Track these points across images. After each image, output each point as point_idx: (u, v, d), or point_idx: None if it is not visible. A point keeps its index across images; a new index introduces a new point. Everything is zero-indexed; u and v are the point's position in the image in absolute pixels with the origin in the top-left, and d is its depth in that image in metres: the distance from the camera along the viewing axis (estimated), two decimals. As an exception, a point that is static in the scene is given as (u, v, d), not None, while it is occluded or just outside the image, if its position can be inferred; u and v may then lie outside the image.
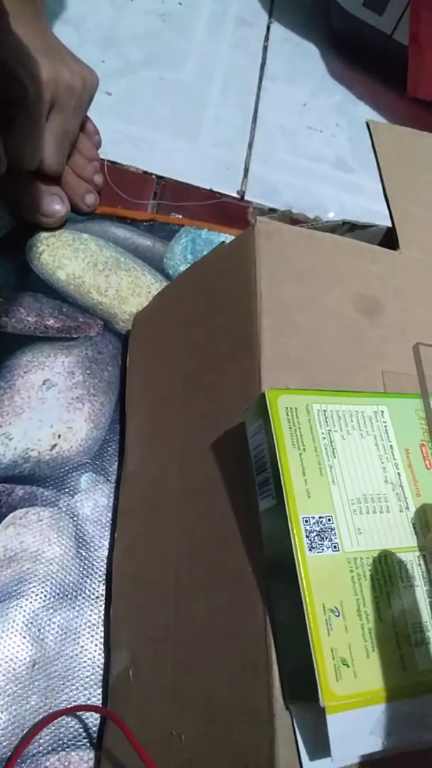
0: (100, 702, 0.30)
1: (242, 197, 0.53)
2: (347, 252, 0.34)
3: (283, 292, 0.30)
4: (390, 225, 0.37)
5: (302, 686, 0.20)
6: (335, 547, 0.22)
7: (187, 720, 0.25)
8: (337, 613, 0.20)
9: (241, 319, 0.30)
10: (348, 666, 0.19)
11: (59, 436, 0.36)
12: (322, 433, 0.24)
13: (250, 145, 0.57)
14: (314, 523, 0.22)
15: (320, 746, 0.20)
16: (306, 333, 0.30)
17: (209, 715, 0.24)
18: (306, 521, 0.22)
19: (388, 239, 0.37)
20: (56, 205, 0.43)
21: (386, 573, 0.22)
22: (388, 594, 0.21)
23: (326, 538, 0.22)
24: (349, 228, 0.37)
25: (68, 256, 0.44)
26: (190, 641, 0.26)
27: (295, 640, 0.20)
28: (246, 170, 0.55)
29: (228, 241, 0.34)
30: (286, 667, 0.21)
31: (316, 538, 0.22)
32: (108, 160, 0.50)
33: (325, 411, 0.25)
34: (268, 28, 0.69)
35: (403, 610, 0.21)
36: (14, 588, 0.31)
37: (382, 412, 0.26)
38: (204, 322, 0.33)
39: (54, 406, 0.37)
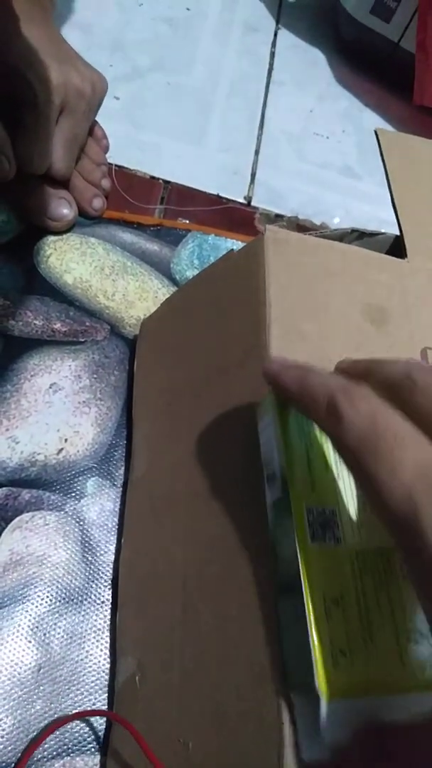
0: (106, 707, 0.30)
1: (249, 203, 0.53)
2: (355, 261, 0.34)
3: (292, 300, 0.30)
4: (398, 233, 0.37)
5: (300, 673, 0.20)
6: (338, 539, 0.22)
7: (194, 727, 0.25)
8: (336, 603, 0.20)
9: (249, 326, 0.30)
10: (345, 655, 0.20)
11: (66, 440, 0.36)
12: None
13: (256, 151, 0.57)
14: (318, 515, 0.22)
15: (316, 736, 0.20)
16: (314, 341, 0.30)
17: (216, 723, 0.24)
18: (309, 512, 0.22)
19: (396, 248, 0.37)
20: (64, 209, 0.44)
21: (388, 569, 0.22)
22: (389, 590, 0.21)
23: (329, 529, 0.22)
24: (357, 236, 0.37)
25: (75, 260, 0.44)
26: (198, 648, 0.26)
27: (296, 629, 0.21)
28: (253, 176, 0.55)
29: (236, 248, 0.34)
30: (287, 656, 0.21)
31: (318, 528, 0.22)
32: (115, 165, 0.50)
33: None
34: (276, 34, 0.69)
35: (404, 606, 0.21)
36: (20, 592, 0.31)
37: None
38: (212, 329, 0.33)
39: (61, 410, 0.37)
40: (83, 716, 0.29)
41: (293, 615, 0.21)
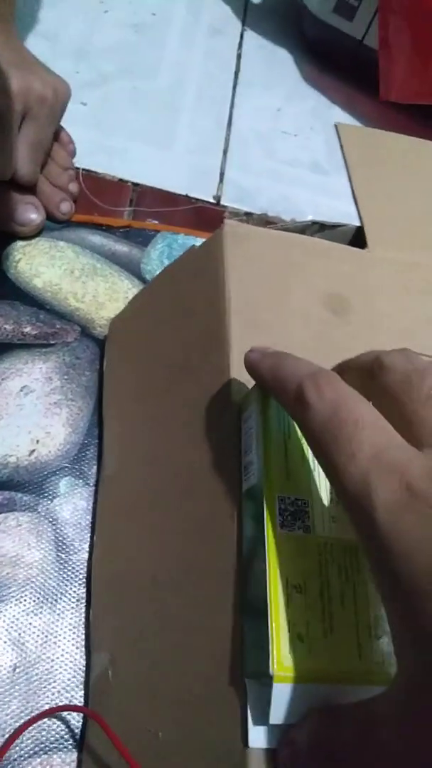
0: (82, 704, 0.30)
1: (218, 202, 0.53)
2: (316, 252, 0.34)
3: (252, 291, 0.31)
4: (359, 224, 0.38)
5: (257, 657, 0.20)
6: (307, 529, 0.22)
7: (164, 718, 0.25)
8: (299, 590, 0.20)
9: (211, 319, 0.30)
10: (303, 641, 0.20)
11: (38, 441, 0.37)
12: None
13: (225, 151, 0.57)
14: (289, 504, 0.22)
15: (265, 721, 0.20)
16: (275, 331, 0.30)
17: (185, 713, 0.24)
18: (281, 500, 0.22)
19: (358, 238, 0.38)
20: (31, 214, 0.44)
21: (355, 564, 0.22)
22: (354, 584, 0.22)
23: (299, 519, 0.22)
24: (318, 228, 0.38)
25: (45, 264, 0.44)
26: (167, 639, 0.26)
27: (256, 614, 0.21)
28: (221, 175, 0.55)
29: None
30: (246, 643, 0.21)
31: (289, 517, 0.22)
32: (84, 169, 0.51)
33: None
34: (242, 36, 0.70)
35: (368, 602, 0.21)
36: (-6, 593, 0.32)
37: None
38: (176, 324, 0.34)
39: (32, 412, 0.37)
40: (54, 712, 0.29)
41: (255, 601, 0.21)
